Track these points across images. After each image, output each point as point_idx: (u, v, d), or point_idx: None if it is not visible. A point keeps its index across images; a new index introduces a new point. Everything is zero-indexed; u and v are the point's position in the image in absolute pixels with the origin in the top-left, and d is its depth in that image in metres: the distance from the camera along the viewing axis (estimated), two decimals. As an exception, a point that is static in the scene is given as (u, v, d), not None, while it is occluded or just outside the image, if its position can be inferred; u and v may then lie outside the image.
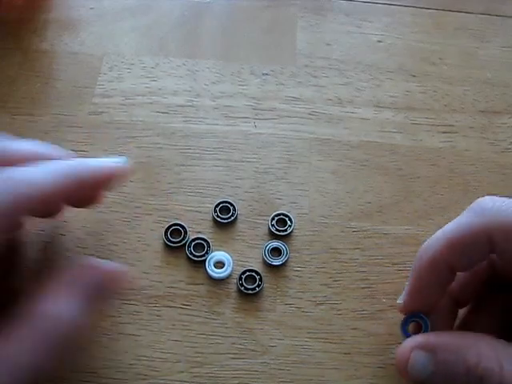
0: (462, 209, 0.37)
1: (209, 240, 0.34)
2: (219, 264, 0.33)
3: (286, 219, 0.35)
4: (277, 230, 0.35)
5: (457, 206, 0.37)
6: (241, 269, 0.33)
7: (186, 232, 0.34)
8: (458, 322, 0.30)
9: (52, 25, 0.44)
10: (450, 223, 0.27)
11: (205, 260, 0.33)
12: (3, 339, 0.22)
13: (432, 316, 0.28)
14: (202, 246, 0.34)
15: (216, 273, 0.33)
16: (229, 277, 0.33)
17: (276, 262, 0.33)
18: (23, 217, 0.25)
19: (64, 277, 0.26)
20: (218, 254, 0.33)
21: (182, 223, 0.34)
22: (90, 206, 0.31)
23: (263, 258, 0.34)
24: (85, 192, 0.29)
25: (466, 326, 0.29)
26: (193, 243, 0.34)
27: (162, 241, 0.34)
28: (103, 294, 0.26)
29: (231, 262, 0.33)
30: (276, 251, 0.34)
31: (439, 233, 0.27)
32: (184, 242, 0.34)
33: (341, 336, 0.32)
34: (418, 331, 0.29)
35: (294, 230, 0.35)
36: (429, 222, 0.36)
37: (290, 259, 0.34)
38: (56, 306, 0.24)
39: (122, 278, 0.27)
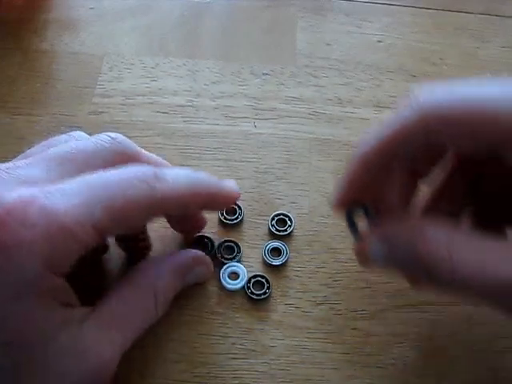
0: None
1: (239, 243, 0.34)
2: (233, 275, 0.33)
3: (286, 219, 0.35)
4: (277, 229, 0.35)
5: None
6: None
7: (212, 244, 0.34)
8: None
9: (52, 25, 0.44)
10: (389, 116, 0.26)
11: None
12: (116, 299, 0.27)
13: (385, 196, 0.28)
14: (231, 248, 0.34)
15: (231, 284, 0.33)
16: (243, 288, 0.33)
17: (276, 262, 0.33)
18: (158, 215, 0.28)
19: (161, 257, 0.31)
20: (232, 265, 0.33)
21: (207, 235, 0.34)
22: (194, 230, 0.34)
23: (263, 258, 0.34)
24: (210, 205, 0.30)
25: (430, 207, 0.29)
26: (223, 245, 0.34)
27: (161, 241, 0.34)
28: (190, 273, 0.31)
29: (246, 273, 0.33)
30: (276, 251, 0.34)
31: (377, 128, 0.26)
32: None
33: (341, 336, 0.32)
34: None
35: (294, 230, 0.35)
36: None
37: (289, 259, 0.34)
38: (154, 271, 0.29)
39: (206, 263, 0.32)
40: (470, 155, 0.26)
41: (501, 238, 0.24)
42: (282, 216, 0.35)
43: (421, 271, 0.24)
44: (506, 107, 0.22)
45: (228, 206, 0.32)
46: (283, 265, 0.34)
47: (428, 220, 0.26)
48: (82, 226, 0.23)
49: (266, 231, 0.35)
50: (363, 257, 0.27)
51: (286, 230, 0.35)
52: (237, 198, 0.31)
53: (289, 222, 0.35)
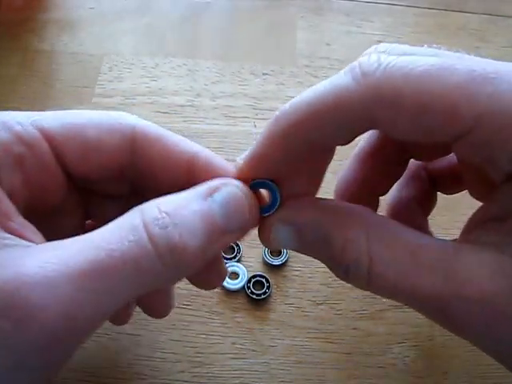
0: (463, 208, 0.37)
1: (239, 243, 0.34)
2: (233, 275, 0.33)
3: None
4: None
5: (458, 206, 0.36)
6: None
7: None
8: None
9: (51, 25, 0.44)
10: (322, 83, 0.21)
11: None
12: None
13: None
14: (232, 248, 0.34)
15: (230, 284, 0.33)
16: (243, 288, 0.33)
17: (276, 262, 0.33)
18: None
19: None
20: (232, 265, 0.33)
21: None
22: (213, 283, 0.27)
23: (263, 258, 0.34)
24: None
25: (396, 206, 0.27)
26: None
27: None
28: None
29: (246, 273, 0.33)
30: (276, 251, 0.34)
31: (305, 95, 0.21)
32: None
33: (341, 336, 0.32)
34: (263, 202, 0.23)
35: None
36: (429, 221, 0.36)
37: (289, 259, 0.34)
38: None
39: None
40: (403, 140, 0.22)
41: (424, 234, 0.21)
42: None
43: (334, 267, 0.21)
44: (467, 97, 0.19)
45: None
46: (283, 265, 0.34)
47: (349, 205, 0.22)
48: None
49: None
50: (266, 238, 0.23)
51: None
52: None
53: None
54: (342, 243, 0.20)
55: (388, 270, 0.19)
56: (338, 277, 0.21)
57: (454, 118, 0.19)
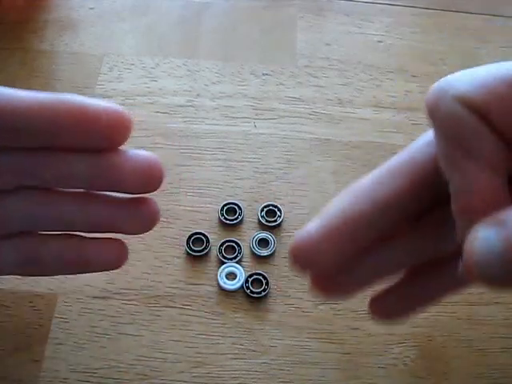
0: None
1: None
2: (231, 275, 0.33)
3: (276, 209, 0.35)
4: (267, 221, 0.35)
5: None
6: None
7: (208, 241, 0.34)
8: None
9: (52, 25, 0.44)
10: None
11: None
12: None
13: None
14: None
15: (228, 284, 0.33)
16: (241, 288, 0.33)
17: (264, 253, 0.34)
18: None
19: None
20: (229, 266, 0.33)
21: (204, 232, 0.34)
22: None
23: (251, 249, 0.34)
24: (80, 128, 0.22)
25: None
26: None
27: (161, 241, 0.34)
28: None
29: (243, 273, 0.33)
30: (263, 242, 0.34)
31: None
32: (206, 250, 0.34)
33: (341, 336, 0.32)
34: None
35: (295, 231, 0.35)
36: None
37: (288, 258, 0.34)
38: None
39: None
40: None
41: None
42: (271, 207, 0.35)
43: None
44: None
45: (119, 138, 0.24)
46: (282, 265, 0.34)
47: None
48: None
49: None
50: (469, 256, 0.17)
51: (275, 221, 0.35)
52: (127, 123, 0.24)
53: (278, 212, 0.35)
54: None
55: None
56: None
57: None
